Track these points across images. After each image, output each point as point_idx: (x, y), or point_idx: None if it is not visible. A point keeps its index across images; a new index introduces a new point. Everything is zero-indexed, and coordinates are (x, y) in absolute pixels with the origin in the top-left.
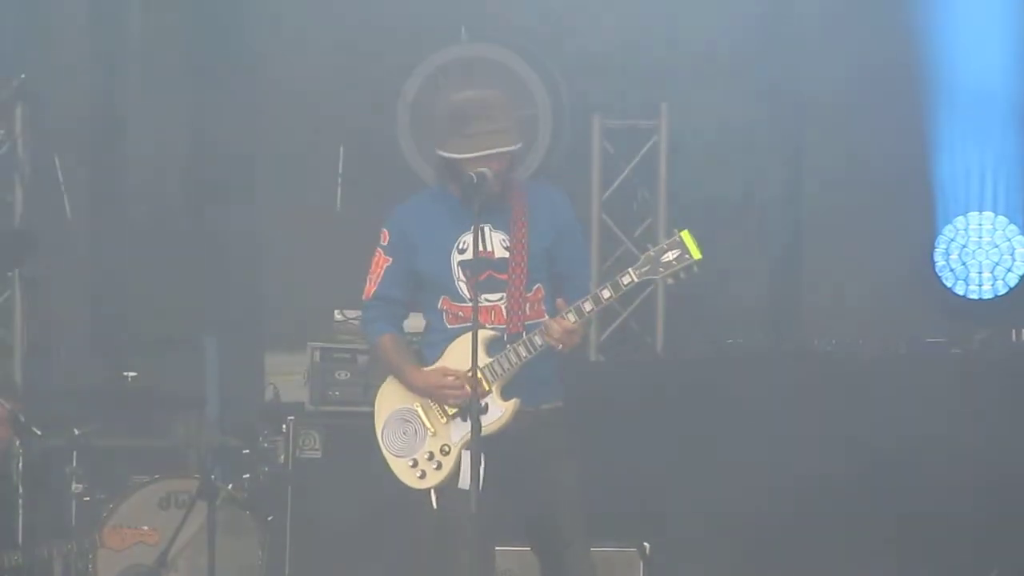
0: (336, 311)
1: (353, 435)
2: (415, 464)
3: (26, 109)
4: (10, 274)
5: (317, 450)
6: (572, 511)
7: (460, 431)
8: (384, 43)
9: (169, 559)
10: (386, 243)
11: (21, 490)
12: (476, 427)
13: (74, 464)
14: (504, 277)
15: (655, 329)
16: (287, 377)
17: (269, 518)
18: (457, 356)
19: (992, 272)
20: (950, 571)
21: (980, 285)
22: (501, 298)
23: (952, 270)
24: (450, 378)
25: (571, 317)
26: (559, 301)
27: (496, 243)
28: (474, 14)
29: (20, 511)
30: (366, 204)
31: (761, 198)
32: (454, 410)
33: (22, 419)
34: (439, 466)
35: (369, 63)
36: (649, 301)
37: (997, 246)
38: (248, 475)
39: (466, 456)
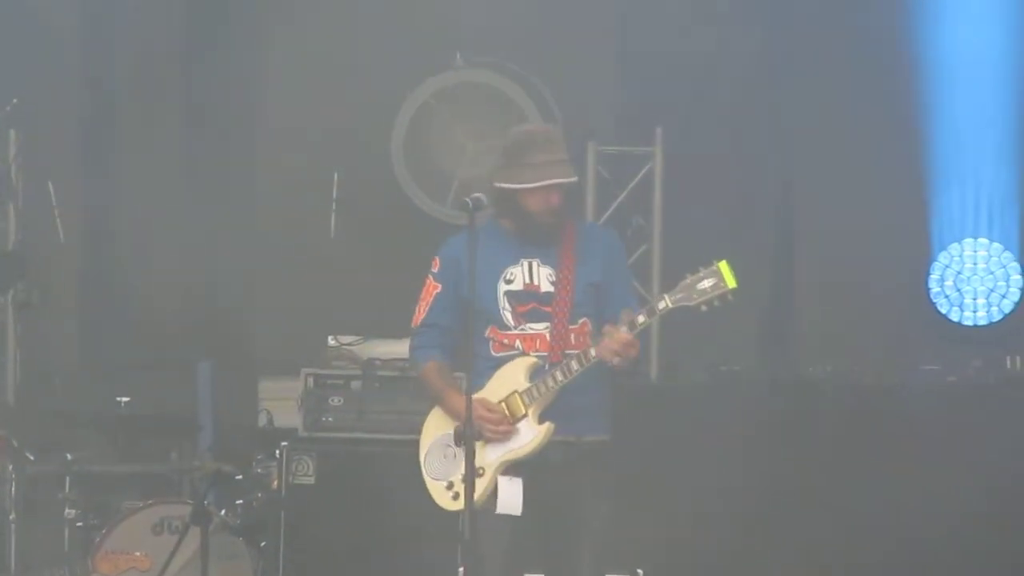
0: (330, 337)
1: (346, 461)
2: (450, 486)
3: (19, 134)
4: (2, 298)
5: (310, 476)
6: (592, 550)
7: (495, 453)
8: (379, 69)
9: None
10: (437, 270)
11: (13, 515)
12: (470, 455)
13: (67, 489)
14: (549, 309)
15: (649, 355)
16: (281, 403)
17: (262, 544)
18: (501, 383)
19: (987, 299)
20: None
21: (975, 312)
22: (546, 327)
23: (947, 296)
24: (484, 409)
25: (624, 330)
26: (624, 312)
27: (543, 277)
28: (469, 40)
29: (12, 537)
30: (360, 230)
31: (755, 224)
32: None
33: (15, 444)
34: (473, 487)
35: (364, 88)
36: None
37: (992, 273)
38: (241, 501)
39: (503, 482)
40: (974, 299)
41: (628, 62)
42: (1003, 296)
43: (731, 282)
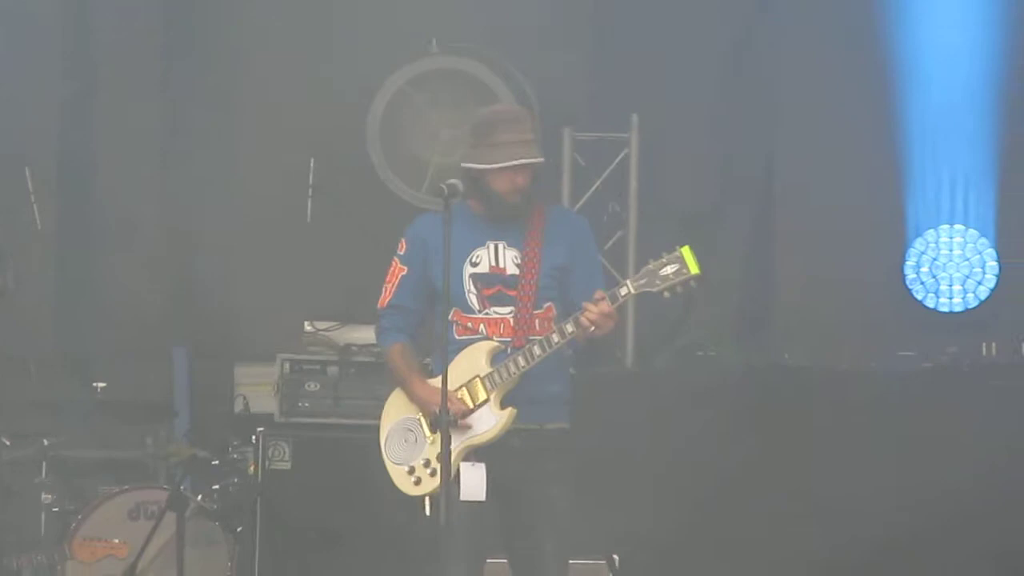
0: (306, 322)
1: (322, 446)
2: (412, 471)
3: None
4: None
5: (287, 461)
6: (557, 535)
7: (457, 440)
8: (354, 55)
9: (138, 571)
10: (403, 252)
11: None
12: (446, 440)
13: (43, 475)
14: (514, 293)
15: (625, 342)
16: (257, 388)
17: (238, 529)
18: (462, 368)
19: (963, 285)
20: None
21: (951, 298)
22: (510, 311)
23: (923, 283)
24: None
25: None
26: (597, 292)
27: (508, 260)
28: (445, 26)
29: None
30: (336, 216)
31: (732, 211)
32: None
33: None
34: (434, 472)
35: (339, 74)
36: (619, 313)
37: (968, 259)
38: (217, 486)
39: (466, 468)
40: (950, 285)
41: (604, 48)
42: (979, 283)
43: (694, 268)
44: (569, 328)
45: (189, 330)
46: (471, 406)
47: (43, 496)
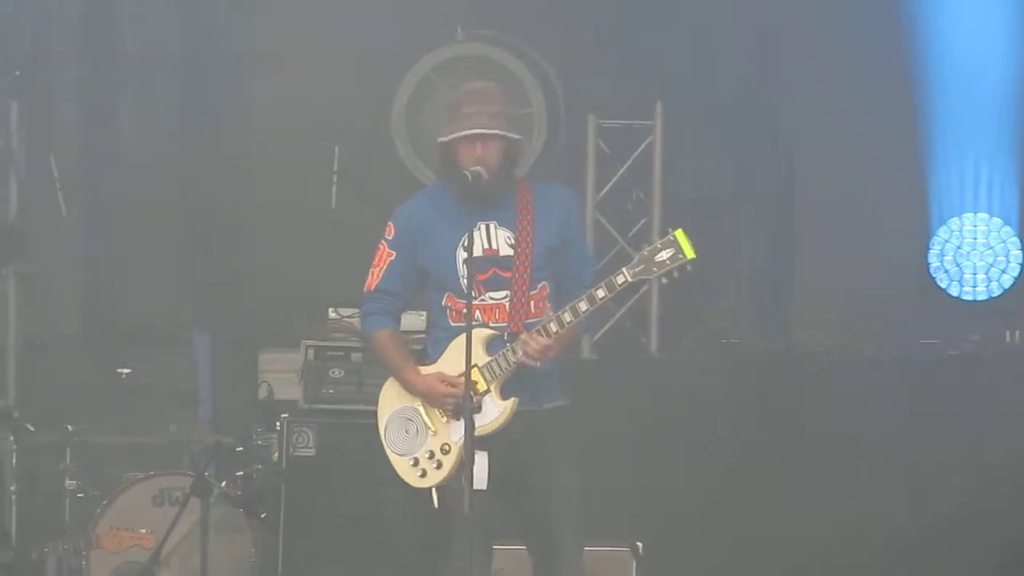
0: (330, 309)
1: (347, 433)
2: (416, 463)
3: (21, 106)
4: (3, 270)
5: (311, 448)
6: (567, 513)
7: (460, 430)
8: (380, 41)
9: (162, 557)
10: (391, 237)
11: (14, 487)
12: (470, 428)
13: (68, 461)
14: (508, 275)
15: (649, 329)
16: (281, 375)
17: (262, 515)
18: (457, 355)
19: (987, 274)
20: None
21: (975, 287)
22: (505, 296)
23: (947, 271)
24: (445, 384)
25: (552, 327)
26: (548, 312)
27: (501, 240)
28: (470, 13)
29: (13, 508)
30: (361, 202)
31: (755, 199)
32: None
33: (15, 415)
34: (439, 465)
35: (365, 61)
36: (644, 301)
37: (992, 247)
38: (242, 473)
39: (479, 457)
40: (974, 274)
41: (629, 35)
42: (1003, 271)
43: (689, 252)
44: (552, 326)
45: (213, 316)
46: (475, 395)
47: (67, 482)
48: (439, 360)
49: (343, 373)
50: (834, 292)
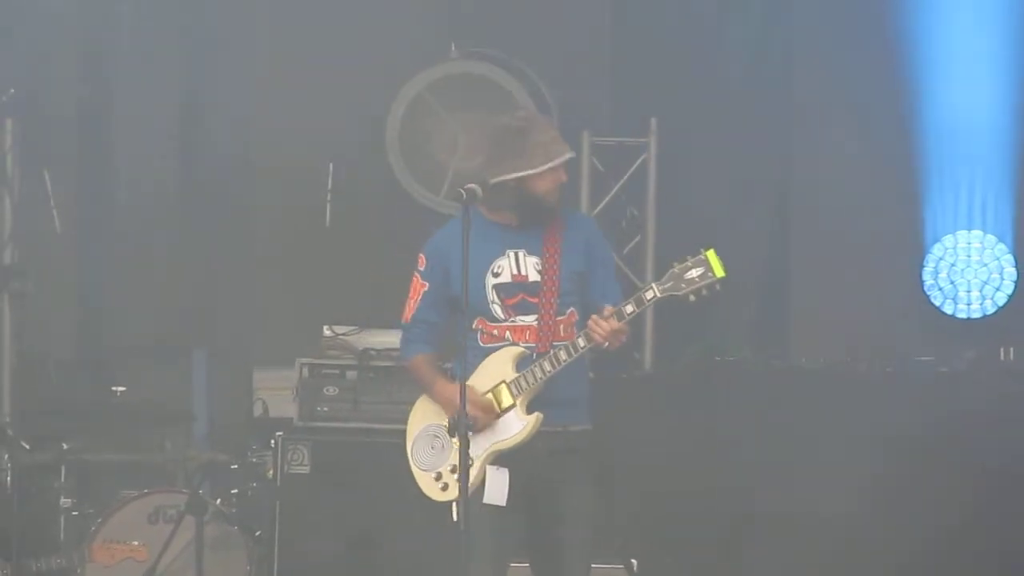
0: (325, 327)
1: (341, 451)
2: (439, 477)
3: (16, 123)
4: None
5: (305, 466)
6: (579, 538)
7: (484, 443)
8: (374, 60)
9: (157, 574)
10: (423, 268)
11: (10, 505)
12: (464, 444)
13: (62, 478)
14: (536, 300)
15: (644, 346)
16: (276, 392)
17: (257, 533)
18: (488, 373)
19: (981, 291)
20: None
21: (969, 304)
22: (535, 319)
23: (941, 289)
24: (472, 400)
25: (626, 309)
26: (606, 308)
27: (530, 267)
28: (464, 31)
29: (8, 526)
30: (356, 221)
31: (751, 216)
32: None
33: (10, 433)
34: (468, 477)
35: (359, 79)
36: (638, 317)
37: (986, 265)
38: (236, 490)
39: (491, 472)
40: (968, 291)
41: (623, 52)
42: (996, 288)
43: (719, 271)
44: (581, 342)
45: (208, 334)
46: (498, 410)
47: (62, 500)
48: (470, 379)
49: (338, 391)
50: (829, 309)
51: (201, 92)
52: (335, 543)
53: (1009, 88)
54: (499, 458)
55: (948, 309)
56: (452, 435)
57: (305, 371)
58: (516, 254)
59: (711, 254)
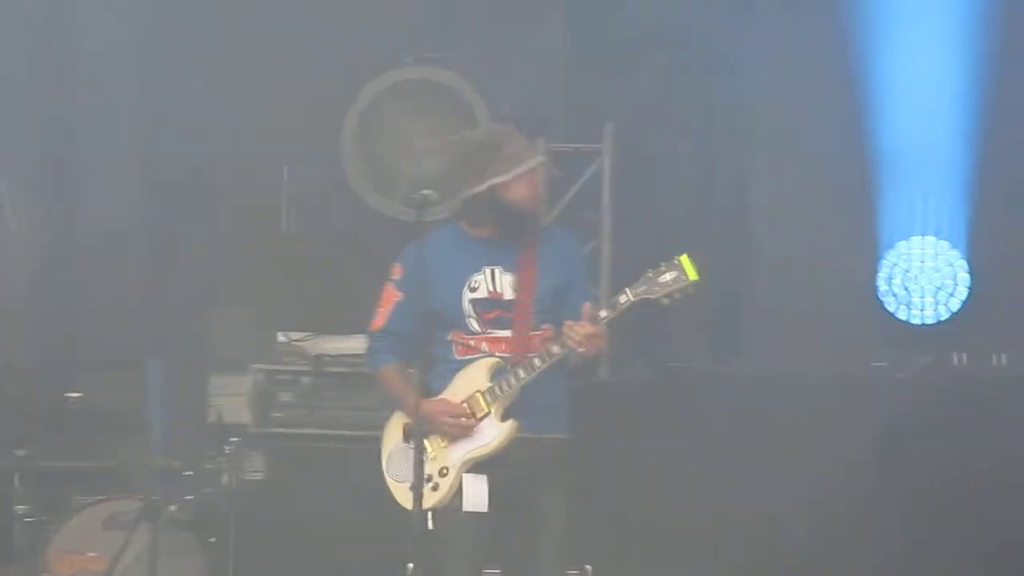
0: (280, 333)
1: (296, 457)
2: (414, 487)
3: None
4: None
5: (260, 472)
6: (553, 546)
7: (459, 452)
8: (328, 65)
9: None
10: (398, 278)
11: None
12: (419, 453)
13: (16, 485)
14: (511, 315)
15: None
16: (230, 399)
17: (212, 540)
18: (463, 383)
19: (935, 297)
20: None
21: (922, 310)
22: (510, 333)
23: (895, 295)
24: (446, 411)
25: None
26: (586, 305)
27: (506, 285)
28: (419, 37)
29: None
30: (310, 227)
31: (705, 223)
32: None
33: None
34: (436, 487)
35: (313, 85)
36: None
37: (940, 271)
38: (191, 496)
39: (469, 479)
40: (921, 297)
41: (578, 58)
42: (950, 294)
43: (692, 275)
44: (555, 348)
45: (163, 341)
46: (473, 419)
47: (16, 507)
48: (445, 390)
49: (293, 397)
50: (784, 314)
51: (158, 96)
52: (291, 549)
53: (964, 93)
54: (475, 466)
55: (902, 315)
56: (407, 441)
57: (260, 377)
58: (493, 271)
59: (685, 259)
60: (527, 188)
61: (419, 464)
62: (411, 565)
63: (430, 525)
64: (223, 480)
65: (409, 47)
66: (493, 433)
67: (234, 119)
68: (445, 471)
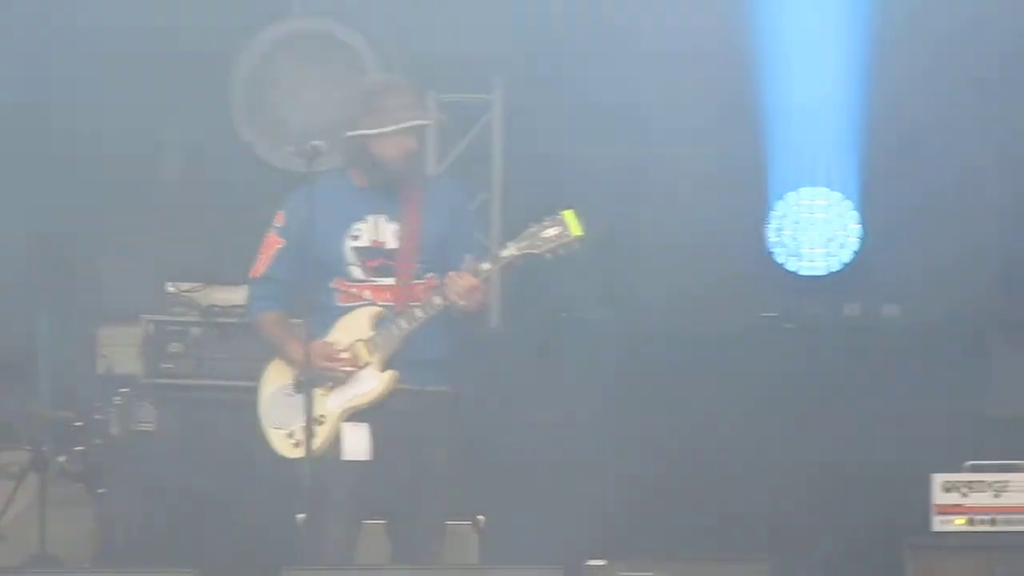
0: (169, 283)
1: (186, 408)
2: (291, 435)
3: None
4: None
5: (150, 423)
6: (434, 498)
7: (337, 401)
8: (217, 16)
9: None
10: (281, 224)
11: None
12: (309, 401)
13: None
14: (394, 263)
15: (489, 302)
16: (120, 349)
17: (101, 491)
18: (345, 331)
19: (825, 248)
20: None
21: (813, 261)
22: (393, 281)
23: (785, 246)
24: (326, 357)
25: (480, 267)
26: (468, 257)
27: (389, 234)
28: None
29: None
30: (200, 177)
31: (597, 174)
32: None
33: None
34: (312, 435)
35: (201, 36)
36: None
37: (830, 222)
38: (81, 447)
39: (348, 428)
40: (812, 248)
41: (468, 9)
42: (841, 246)
43: (576, 230)
44: (437, 300)
45: (52, 291)
46: (354, 367)
47: None
48: (326, 338)
49: (182, 347)
50: (674, 267)
51: (52, 50)
52: (181, 500)
53: (853, 41)
54: (355, 415)
55: (792, 266)
56: (298, 392)
57: (150, 328)
58: (376, 220)
59: (569, 214)
60: (394, 146)
61: (309, 411)
62: (301, 515)
63: (307, 475)
64: (112, 431)
65: None
66: (373, 383)
67: (120, 65)
68: (323, 419)
